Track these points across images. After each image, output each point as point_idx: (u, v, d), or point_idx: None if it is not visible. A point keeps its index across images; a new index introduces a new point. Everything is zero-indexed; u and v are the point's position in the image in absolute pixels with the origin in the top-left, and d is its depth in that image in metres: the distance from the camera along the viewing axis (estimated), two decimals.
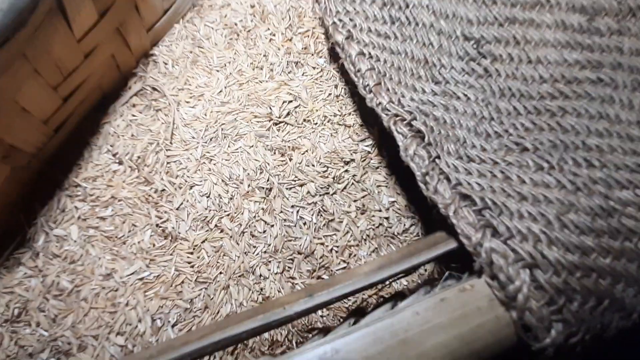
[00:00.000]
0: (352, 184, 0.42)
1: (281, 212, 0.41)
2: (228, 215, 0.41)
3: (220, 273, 0.39)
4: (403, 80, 0.34)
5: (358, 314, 0.26)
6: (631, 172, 0.28)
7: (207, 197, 0.41)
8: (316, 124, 0.44)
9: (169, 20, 0.49)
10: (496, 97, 0.33)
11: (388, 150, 0.43)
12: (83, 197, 0.42)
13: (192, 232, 0.40)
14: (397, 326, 0.23)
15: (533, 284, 0.23)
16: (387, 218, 0.41)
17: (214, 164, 0.42)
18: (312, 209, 0.41)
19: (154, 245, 0.40)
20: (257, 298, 0.38)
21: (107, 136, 0.44)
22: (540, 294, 0.23)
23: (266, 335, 0.37)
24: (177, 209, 0.41)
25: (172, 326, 0.37)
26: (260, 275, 0.39)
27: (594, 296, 0.24)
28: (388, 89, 0.33)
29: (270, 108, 0.44)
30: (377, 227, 0.41)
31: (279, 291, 0.38)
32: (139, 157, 0.43)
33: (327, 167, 0.42)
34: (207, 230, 0.40)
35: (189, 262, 0.39)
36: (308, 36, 0.48)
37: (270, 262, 0.39)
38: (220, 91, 0.46)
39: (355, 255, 0.40)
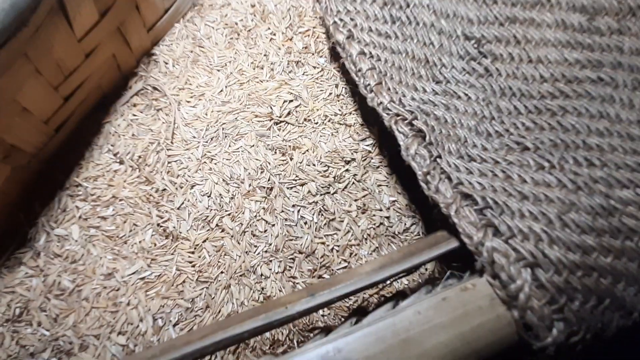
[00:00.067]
0: (353, 183, 0.42)
1: (282, 211, 0.41)
2: (229, 214, 0.41)
3: (222, 272, 0.39)
4: (404, 79, 0.34)
5: (359, 313, 0.26)
6: (632, 171, 0.28)
7: (208, 196, 0.41)
8: (317, 123, 0.44)
9: (169, 20, 0.49)
10: (497, 96, 0.33)
11: (389, 150, 0.43)
12: (84, 196, 0.42)
13: (193, 231, 0.40)
14: (398, 325, 0.23)
15: (534, 283, 0.23)
16: (387, 217, 0.41)
17: (215, 164, 0.43)
18: (313, 209, 0.41)
19: (155, 244, 0.40)
20: (258, 297, 0.38)
21: (108, 136, 0.44)
22: (541, 293, 0.23)
23: (267, 334, 0.37)
24: (178, 209, 0.41)
25: (174, 325, 0.37)
26: (262, 275, 0.39)
27: (594, 295, 0.24)
28: (389, 89, 0.33)
29: (271, 107, 0.44)
30: (378, 226, 0.41)
31: (280, 290, 0.39)
32: (139, 157, 0.43)
33: (328, 167, 0.42)
34: (208, 230, 0.40)
35: (190, 262, 0.39)
36: (309, 35, 0.48)
37: (271, 261, 0.39)
38: (221, 91, 0.46)
39: (356, 255, 0.40)
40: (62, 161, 0.43)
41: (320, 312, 0.38)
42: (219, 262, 0.39)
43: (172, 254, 0.39)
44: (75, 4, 0.35)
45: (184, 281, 0.39)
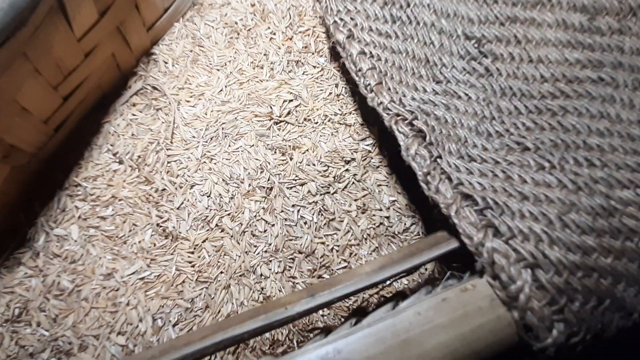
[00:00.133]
0: (353, 183, 0.42)
1: (282, 211, 0.41)
2: (229, 214, 0.41)
3: (221, 272, 0.39)
4: (404, 79, 0.34)
5: (359, 313, 0.26)
6: (632, 171, 0.28)
7: (208, 196, 0.41)
8: (317, 123, 0.44)
9: (169, 19, 0.48)
10: (497, 96, 0.33)
11: (389, 150, 0.43)
12: (83, 196, 0.42)
13: (192, 231, 0.40)
14: (398, 326, 0.23)
15: (535, 284, 0.23)
16: (387, 217, 0.41)
17: (215, 164, 0.42)
18: (312, 208, 0.41)
19: (154, 244, 0.40)
20: (258, 297, 0.38)
21: (108, 135, 0.44)
22: (541, 293, 0.23)
23: (267, 334, 0.37)
24: (177, 209, 0.41)
25: (173, 326, 0.37)
26: (261, 275, 0.39)
27: (595, 296, 0.24)
28: (389, 89, 0.33)
29: (271, 107, 0.44)
30: (378, 226, 0.41)
31: (279, 290, 0.38)
32: (139, 157, 0.43)
33: (328, 167, 0.42)
34: (207, 230, 0.40)
35: (190, 262, 0.39)
36: (309, 35, 0.48)
37: (271, 261, 0.39)
38: (221, 90, 0.46)
39: (356, 255, 0.40)
40: (62, 161, 0.43)
41: (320, 312, 0.38)
42: (218, 262, 0.39)
43: (171, 254, 0.39)
44: (74, 4, 0.35)
45: (183, 281, 0.38)
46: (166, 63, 0.47)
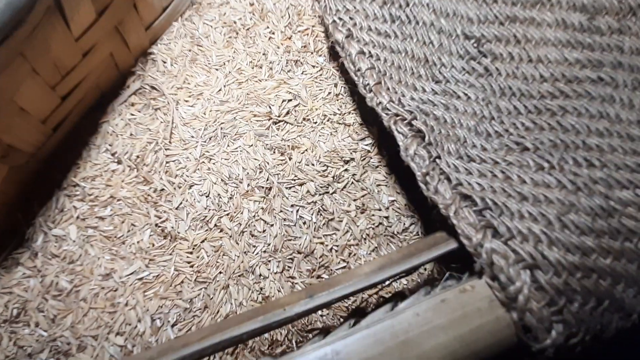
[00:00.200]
0: (352, 183, 0.42)
1: (281, 211, 0.41)
2: (227, 214, 0.40)
3: (220, 273, 0.39)
4: (403, 79, 0.34)
5: (358, 314, 0.26)
6: (631, 171, 0.28)
7: (207, 196, 0.41)
8: (316, 122, 0.44)
9: (167, 19, 0.48)
10: (496, 96, 0.33)
11: (388, 149, 0.43)
12: (82, 196, 0.41)
13: (191, 231, 0.40)
14: (397, 327, 0.23)
15: (534, 285, 0.23)
16: (387, 217, 0.41)
17: (213, 163, 0.42)
18: (311, 208, 0.41)
19: (153, 245, 0.40)
20: (257, 298, 0.38)
21: (106, 135, 0.44)
22: (540, 294, 0.23)
23: (266, 334, 0.37)
24: (176, 209, 0.41)
25: (172, 326, 0.37)
26: (260, 275, 0.39)
27: (594, 297, 0.24)
28: (388, 88, 0.33)
29: (270, 107, 0.44)
30: (377, 226, 0.41)
31: (278, 291, 0.38)
32: (137, 157, 0.43)
33: (327, 166, 0.42)
34: (206, 230, 0.40)
35: (189, 262, 0.39)
36: (307, 34, 0.48)
37: (270, 261, 0.39)
38: (220, 90, 0.45)
39: (355, 255, 0.40)
40: (60, 161, 0.43)
41: (319, 312, 0.38)
42: (217, 262, 0.39)
43: (170, 254, 0.39)
44: (72, 3, 0.34)
45: (182, 281, 0.38)
46: (165, 63, 0.47)
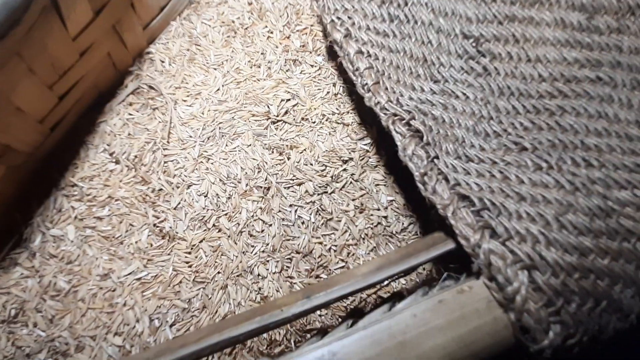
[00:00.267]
0: (351, 182, 0.42)
1: (279, 211, 0.41)
2: (226, 214, 0.40)
3: (218, 273, 0.39)
4: (402, 79, 0.34)
5: (356, 314, 0.26)
6: (630, 172, 0.28)
7: (205, 196, 0.41)
8: (314, 122, 0.44)
9: (165, 18, 0.48)
10: (495, 95, 0.33)
11: (386, 149, 0.43)
12: (80, 196, 0.41)
13: (189, 231, 0.40)
14: (394, 328, 0.23)
15: (531, 286, 0.23)
16: (385, 217, 0.41)
17: (212, 163, 0.42)
18: (310, 208, 0.41)
19: (151, 245, 0.40)
20: (256, 297, 0.38)
21: (104, 135, 0.44)
22: (538, 295, 0.23)
23: (264, 334, 0.37)
24: (174, 209, 0.41)
25: (170, 326, 0.37)
26: (259, 275, 0.39)
27: (591, 297, 0.24)
28: (387, 88, 0.33)
29: (268, 106, 0.44)
30: (376, 226, 0.41)
31: (277, 290, 0.38)
32: (136, 157, 0.43)
33: (326, 166, 0.42)
34: (204, 230, 0.40)
35: (187, 262, 0.39)
36: (306, 34, 0.48)
37: (268, 261, 0.39)
38: (218, 89, 0.45)
39: (353, 255, 0.40)
40: (58, 161, 0.43)
41: (318, 311, 0.38)
42: (215, 262, 0.39)
43: (168, 255, 0.39)
44: (69, 3, 0.34)
45: (180, 281, 0.38)
46: (163, 62, 0.47)
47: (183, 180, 0.42)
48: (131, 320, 0.37)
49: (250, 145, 0.43)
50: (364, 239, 0.40)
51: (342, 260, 0.40)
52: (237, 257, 0.39)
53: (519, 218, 0.26)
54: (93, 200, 0.41)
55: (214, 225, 0.40)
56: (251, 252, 0.39)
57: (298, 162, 0.42)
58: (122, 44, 0.44)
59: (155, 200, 0.41)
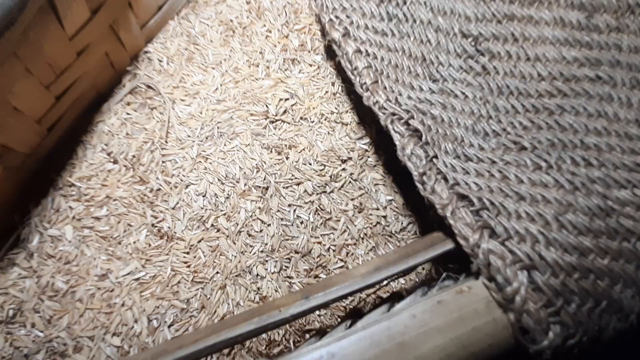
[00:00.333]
0: (350, 182, 0.42)
1: (278, 211, 0.40)
2: (224, 214, 0.40)
3: (217, 273, 0.39)
4: (400, 78, 0.34)
5: (354, 315, 0.25)
6: (629, 171, 0.28)
7: (203, 196, 0.41)
8: (313, 121, 0.44)
9: (163, 17, 0.48)
10: (494, 95, 0.33)
11: (385, 148, 0.43)
12: (77, 196, 0.41)
13: (188, 231, 0.40)
14: (393, 329, 0.23)
15: (531, 286, 0.23)
16: (384, 216, 0.41)
17: (210, 163, 0.42)
18: (309, 208, 0.41)
19: (149, 245, 0.39)
20: (254, 298, 0.38)
21: (102, 135, 0.44)
22: (538, 295, 0.23)
23: (263, 335, 0.37)
24: (172, 209, 0.41)
25: (169, 326, 0.37)
26: (257, 275, 0.39)
27: (591, 298, 0.24)
28: (385, 87, 0.32)
29: (267, 106, 0.44)
30: (375, 225, 0.41)
31: (276, 290, 0.38)
32: (134, 156, 0.43)
33: (324, 166, 0.42)
34: (203, 230, 0.40)
35: (185, 262, 0.39)
36: (305, 33, 0.48)
37: (267, 261, 0.39)
38: (216, 89, 0.45)
39: (352, 254, 0.40)
40: (56, 161, 0.43)
41: (317, 311, 0.38)
42: (214, 262, 0.39)
43: (166, 255, 0.39)
44: (65, 2, 0.34)
45: (179, 282, 0.38)
46: (161, 61, 0.47)
47: (181, 180, 0.42)
48: (129, 320, 0.37)
49: (248, 144, 0.43)
50: (363, 238, 0.40)
51: (341, 260, 0.40)
52: (235, 257, 0.39)
53: (518, 218, 0.26)
54: (91, 200, 0.41)
55: (212, 225, 0.40)
56: (250, 252, 0.39)
57: (297, 162, 0.42)
58: (119, 43, 0.44)
59: (154, 200, 0.41)
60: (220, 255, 0.39)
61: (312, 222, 0.40)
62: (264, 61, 0.46)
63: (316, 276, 0.39)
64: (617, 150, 0.29)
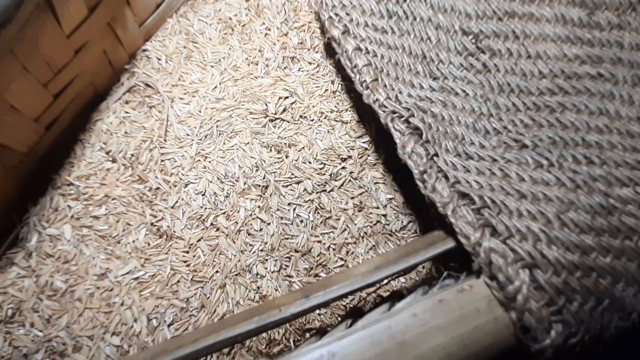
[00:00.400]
0: (350, 181, 0.42)
1: (278, 209, 0.40)
2: (224, 213, 0.40)
3: (217, 272, 0.38)
4: (400, 76, 0.33)
5: (355, 314, 0.25)
6: (631, 169, 0.28)
7: (203, 195, 0.41)
8: (313, 120, 0.44)
9: (162, 15, 0.48)
10: (495, 93, 0.32)
11: (385, 147, 0.43)
12: (76, 195, 0.41)
13: (187, 230, 0.40)
14: (394, 328, 0.22)
15: (532, 284, 0.23)
16: (384, 215, 0.41)
17: (209, 162, 0.42)
18: (309, 207, 0.41)
19: (148, 244, 0.39)
20: (254, 297, 0.38)
21: (100, 133, 0.44)
22: (539, 294, 0.23)
23: (263, 334, 0.37)
24: (172, 208, 0.40)
25: (168, 326, 0.37)
26: (257, 274, 0.39)
27: (593, 296, 0.23)
28: (385, 85, 0.32)
29: (266, 104, 0.44)
30: (375, 224, 0.40)
31: (275, 289, 0.38)
32: (132, 155, 0.42)
33: (324, 164, 0.42)
34: (202, 229, 0.40)
35: (185, 261, 0.39)
36: (304, 30, 0.47)
37: (267, 260, 0.39)
38: (215, 87, 0.45)
39: (352, 253, 0.40)
40: (54, 160, 0.42)
41: (317, 310, 0.38)
42: (214, 261, 0.39)
43: (166, 254, 0.39)
44: (62, 0, 0.34)
45: (178, 281, 0.38)
46: (159, 60, 0.47)
47: (180, 179, 0.41)
48: (129, 319, 0.37)
49: (248, 143, 0.43)
50: (363, 237, 0.40)
51: (341, 259, 0.39)
52: (235, 256, 0.39)
53: (519, 216, 0.25)
54: (89, 199, 0.41)
55: (211, 224, 0.40)
56: (250, 251, 0.39)
57: (296, 160, 0.42)
58: (117, 41, 0.44)
59: (153, 199, 0.41)
60: (220, 254, 0.39)
61: (312, 221, 0.40)
62: (263, 59, 0.46)
63: (316, 275, 0.39)
64: (619, 148, 0.29)
